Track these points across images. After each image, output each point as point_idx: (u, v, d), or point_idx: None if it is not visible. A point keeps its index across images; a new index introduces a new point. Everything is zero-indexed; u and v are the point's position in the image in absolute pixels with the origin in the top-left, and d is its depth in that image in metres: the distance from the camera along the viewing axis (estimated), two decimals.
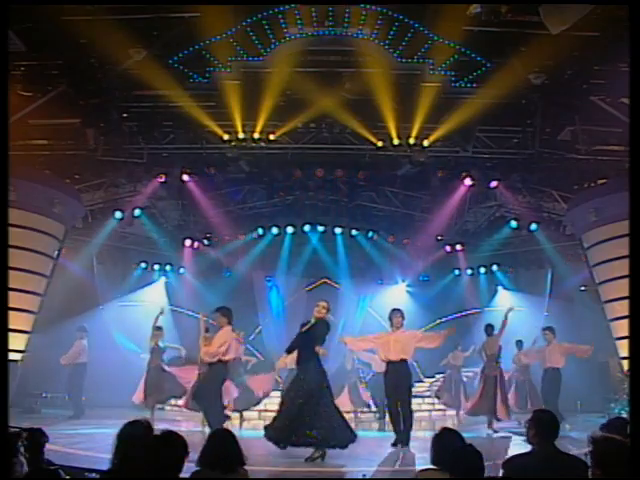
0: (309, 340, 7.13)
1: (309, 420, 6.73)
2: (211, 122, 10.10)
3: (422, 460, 5.78)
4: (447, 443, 3.38)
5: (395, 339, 8.45)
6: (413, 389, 10.42)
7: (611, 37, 7.77)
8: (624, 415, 9.11)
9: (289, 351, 7.62)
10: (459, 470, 3.10)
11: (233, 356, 8.39)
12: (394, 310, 8.91)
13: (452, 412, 13.32)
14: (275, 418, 7.10)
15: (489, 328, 10.89)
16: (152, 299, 15.53)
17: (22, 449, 3.06)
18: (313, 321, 7.24)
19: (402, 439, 8.01)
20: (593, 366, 13.63)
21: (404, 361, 8.34)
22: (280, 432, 6.82)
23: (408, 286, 16.77)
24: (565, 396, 11.65)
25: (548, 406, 9.40)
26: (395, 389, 8.35)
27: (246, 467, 3.37)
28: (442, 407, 13.62)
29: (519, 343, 12.20)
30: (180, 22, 8.54)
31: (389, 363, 8.49)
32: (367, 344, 8.94)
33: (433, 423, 12.11)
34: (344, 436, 6.83)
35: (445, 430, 3.60)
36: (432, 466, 3.45)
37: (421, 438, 9.46)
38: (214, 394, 7.98)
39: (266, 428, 7.04)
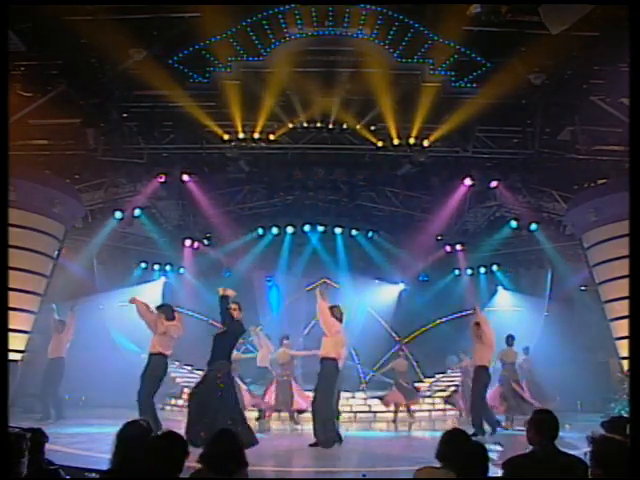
0: (222, 342, 7.11)
1: (207, 421, 6.55)
2: (211, 122, 10.11)
3: (422, 460, 5.77)
4: (455, 441, 3.39)
5: (325, 338, 8.18)
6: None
7: (611, 37, 7.77)
8: (624, 415, 9.11)
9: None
10: (469, 468, 3.10)
11: (170, 352, 8.02)
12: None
13: (452, 412, 13.33)
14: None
15: (509, 339, 11.36)
16: (151, 299, 15.51)
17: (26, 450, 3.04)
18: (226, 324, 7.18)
19: (317, 439, 7.60)
20: (593, 366, 13.65)
21: (326, 359, 7.95)
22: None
23: (405, 285, 16.82)
24: (565, 396, 11.69)
25: (473, 408, 9.26)
26: (316, 388, 8.14)
27: None
28: (442, 407, 13.63)
29: (526, 350, 12.27)
30: (180, 22, 8.55)
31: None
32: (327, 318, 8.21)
33: (433, 423, 12.11)
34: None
35: (457, 430, 3.58)
36: (431, 464, 3.45)
37: (421, 438, 9.48)
38: (148, 389, 7.64)
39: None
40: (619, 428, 3.68)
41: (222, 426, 6.24)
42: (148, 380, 7.68)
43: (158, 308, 8.20)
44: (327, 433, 7.60)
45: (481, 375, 9.22)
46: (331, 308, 8.20)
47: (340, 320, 8.13)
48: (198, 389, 7.03)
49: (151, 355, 7.83)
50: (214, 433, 3.39)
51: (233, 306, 7.34)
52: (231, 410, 6.72)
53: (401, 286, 16.94)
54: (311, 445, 7.49)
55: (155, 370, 7.73)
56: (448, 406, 13.32)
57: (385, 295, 17.03)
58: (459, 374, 13.32)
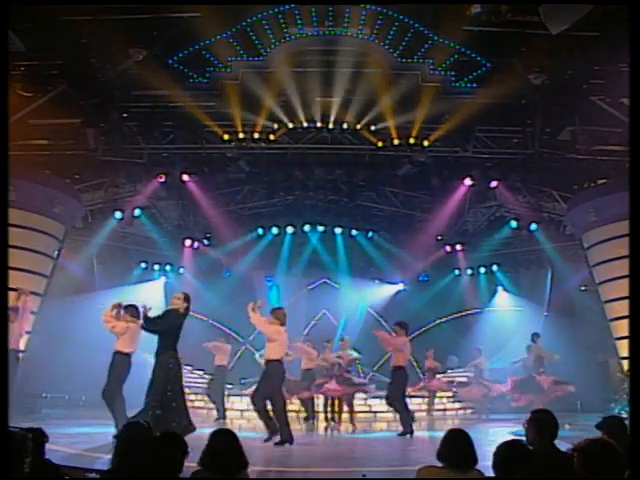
0: (162, 331, 7.10)
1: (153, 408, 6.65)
2: (211, 122, 10.12)
3: (423, 460, 5.78)
4: (457, 441, 3.38)
5: (268, 343, 8.08)
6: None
7: (611, 37, 7.78)
8: (624, 415, 9.11)
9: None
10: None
11: (133, 350, 8.15)
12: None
13: (451, 412, 13.35)
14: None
15: (535, 336, 11.76)
16: (151, 299, 15.50)
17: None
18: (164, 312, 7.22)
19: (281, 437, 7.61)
20: (593, 366, 13.65)
21: (271, 361, 7.80)
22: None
23: (405, 285, 16.84)
24: (565, 396, 11.70)
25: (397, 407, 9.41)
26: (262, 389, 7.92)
27: None
28: (442, 407, 13.65)
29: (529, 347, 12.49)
30: (180, 22, 8.57)
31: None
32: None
33: (433, 423, 12.10)
34: (179, 427, 6.48)
35: (460, 430, 3.58)
36: (432, 464, 3.45)
37: (420, 438, 9.47)
38: (115, 388, 7.81)
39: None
40: (614, 427, 3.69)
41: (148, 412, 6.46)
42: (111, 378, 7.89)
43: (125, 308, 8.26)
44: (282, 430, 7.61)
45: (399, 375, 9.33)
46: (274, 310, 8.22)
47: (283, 323, 8.07)
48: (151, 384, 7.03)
49: (114, 353, 8.04)
50: (214, 433, 3.37)
51: (178, 295, 7.32)
52: (159, 395, 6.75)
53: (399, 286, 16.94)
54: (276, 444, 7.49)
55: (116, 369, 7.92)
56: (457, 405, 13.48)
57: (385, 295, 17.04)
58: (471, 372, 13.52)
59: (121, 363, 7.98)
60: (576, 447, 2.97)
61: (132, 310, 8.21)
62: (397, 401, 9.36)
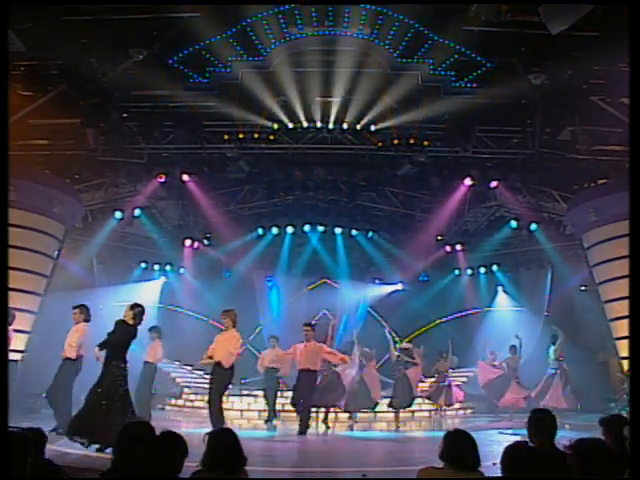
0: (110, 343, 7.21)
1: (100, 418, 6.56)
2: (211, 122, 10.11)
3: (423, 460, 5.78)
4: (458, 441, 3.38)
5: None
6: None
7: (611, 37, 7.78)
8: (624, 415, 9.11)
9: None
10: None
11: (83, 353, 8.23)
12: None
13: (451, 412, 13.34)
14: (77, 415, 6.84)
15: (553, 337, 11.80)
16: (149, 298, 15.49)
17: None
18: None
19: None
20: (593, 366, 13.65)
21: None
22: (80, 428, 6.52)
23: (405, 285, 16.83)
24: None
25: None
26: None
27: (246, 467, 3.37)
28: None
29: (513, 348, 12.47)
30: (180, 22, 8.58)
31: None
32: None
33: (433, 423, 12.10)
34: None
35: (461, 431, 3.57)
36: (432, 464, 3.45)
37: (421, 438, 9.49)
38: (63, 393, 7.93)
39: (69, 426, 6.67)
40: (616, 425, 3.70)
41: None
42: (57, 380, 8.00)
43: (76, 307, 8.30)
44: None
45: (309, 377, 9.39)
46: (227, 312, 8.44)
47: (235, 323, 8.36)
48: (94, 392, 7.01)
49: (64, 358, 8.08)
50: (213, 432, 3.38)
51: (128, 305, 7.34)
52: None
53: (398, 286, 16.92)
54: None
55: (64, 371, 8.08)
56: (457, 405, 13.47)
57: (385, 295, 17.03)
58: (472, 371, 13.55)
59: (69, 365, 8.08)
60: (571, 446, 2.97)
61: (85, 311, 8.25)
62: (306, 402, 9.36)
